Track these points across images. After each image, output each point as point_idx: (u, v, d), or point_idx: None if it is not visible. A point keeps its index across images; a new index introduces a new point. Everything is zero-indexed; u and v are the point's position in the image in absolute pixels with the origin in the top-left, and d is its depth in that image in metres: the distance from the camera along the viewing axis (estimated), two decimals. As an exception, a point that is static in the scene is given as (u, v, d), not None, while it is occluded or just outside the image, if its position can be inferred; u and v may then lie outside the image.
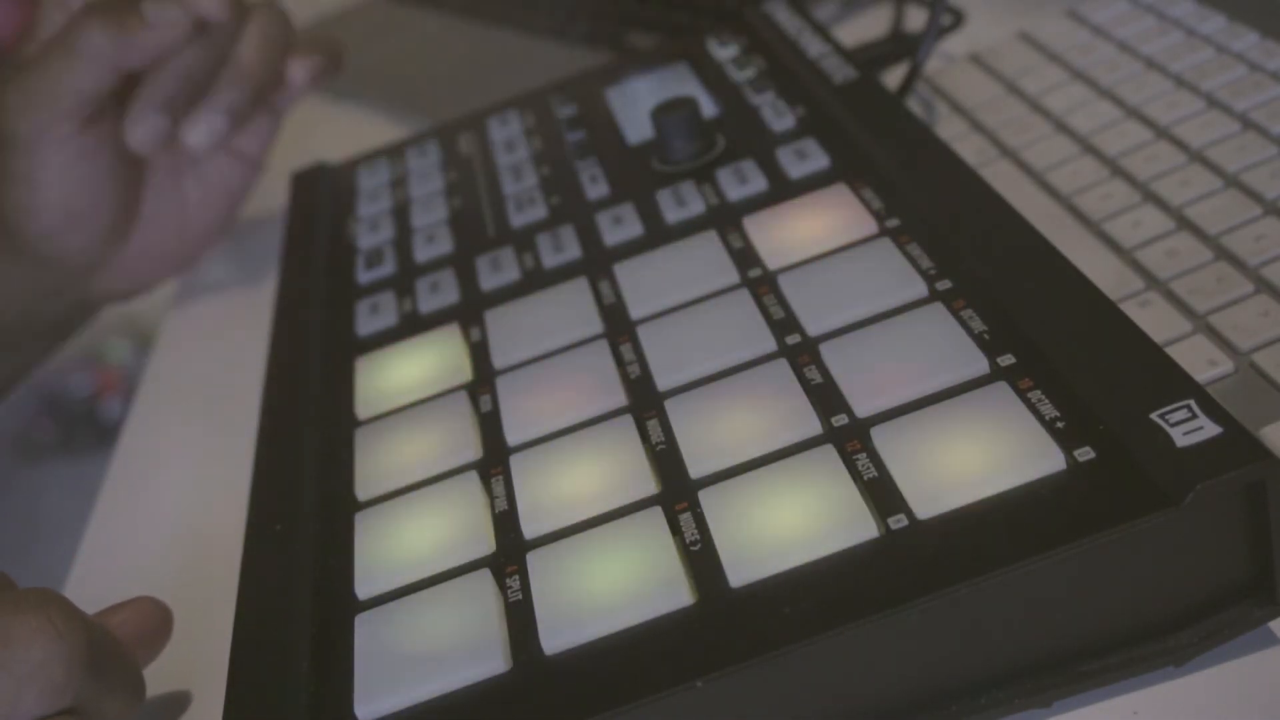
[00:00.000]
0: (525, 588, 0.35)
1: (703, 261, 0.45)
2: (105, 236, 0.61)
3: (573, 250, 0.49)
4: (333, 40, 0.65)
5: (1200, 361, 0.39)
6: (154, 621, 0.41)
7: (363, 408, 0.45)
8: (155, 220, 0.63)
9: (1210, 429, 0.31)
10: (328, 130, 0.85)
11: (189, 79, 0.59)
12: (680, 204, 0.49)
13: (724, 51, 0.59)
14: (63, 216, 0.59)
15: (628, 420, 0.39)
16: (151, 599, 0.42)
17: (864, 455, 0.35)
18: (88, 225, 0.60)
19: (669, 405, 0.39)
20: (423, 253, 0.54)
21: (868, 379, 0.37)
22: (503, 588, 0.35)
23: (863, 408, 0.36)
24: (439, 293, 0.50)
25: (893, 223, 0.43)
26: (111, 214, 0.61)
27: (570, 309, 0.46)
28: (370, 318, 0.50)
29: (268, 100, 0.63)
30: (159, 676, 0.43)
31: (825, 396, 0.37)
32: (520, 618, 0.34)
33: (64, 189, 0.58)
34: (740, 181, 0.49)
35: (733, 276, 0.44)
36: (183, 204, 0.64)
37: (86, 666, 0.35)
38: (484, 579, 0.36)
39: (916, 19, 0.65)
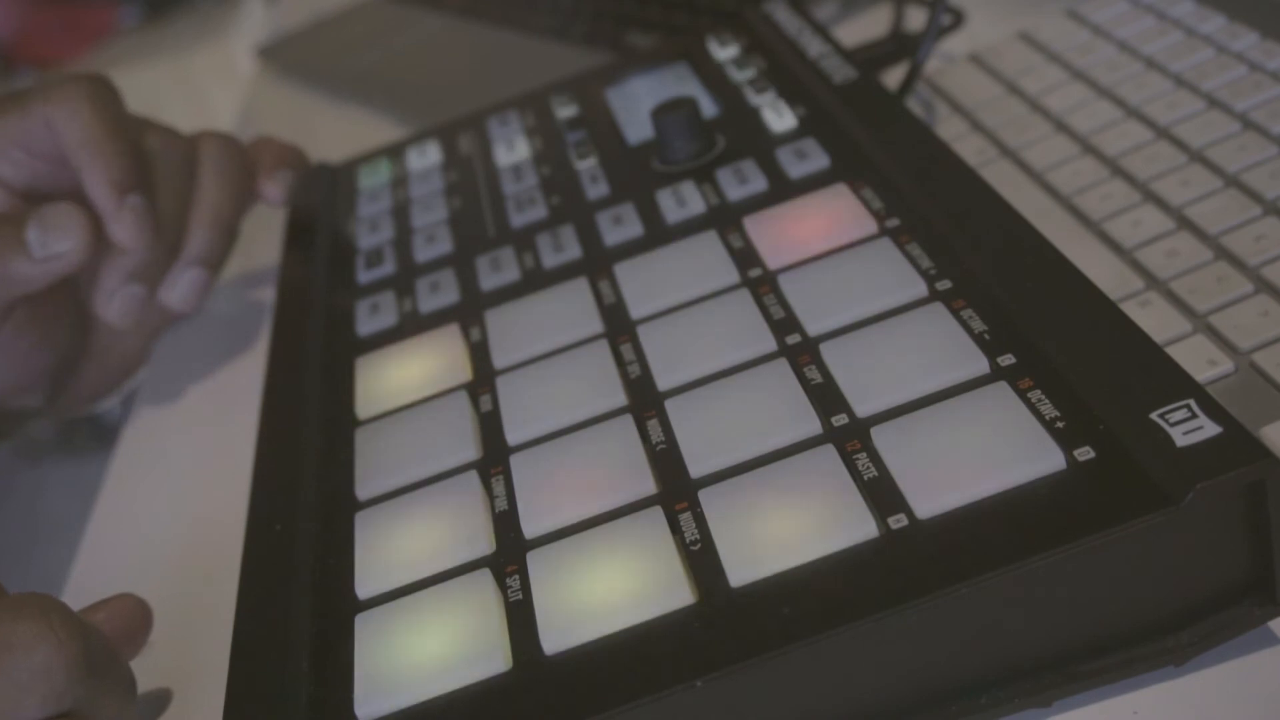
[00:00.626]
0: (525, 588, 0.35)
1: (703, 261, 0.45)
2: (39, 395, 0.58)
3: (573, 250, 0.49)
4: (290, 147, 0.61)
5: (1200, 361, 0.39)
6: (135, 618, 0.41)
7: (363, 408, 0.45)
8: (92, 359, 0.60)
9: (1210, 429, 0.31)
10: (328, 130, 0.85)
11: (154, 239, 0.54)
12: (680, 204, 0.49)
13: (724, 51, 0.59)
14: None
15: (628, 420, 0.39)
16: (131, 596, 0.42)
17: (864, 455, 0.35)
18: (20, 395, 0.57)
19: (669, 405, 0.39)
20: (423, 253, 0.54)
21: (868, 379, 0.37)
22: (503, 588, 0.35)
23: (863, 408, 0.36)
24: (439, 293, 0.50)
25: (893, 223, 0.43)
26: (48, 377, 0.57)
27: (570, 309, 0.46)
28: (370, 318, 0.50)
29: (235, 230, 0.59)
30: (160, 676, 0.43)
31: (825, 396, 0.37)
32: (520, 618, 0.34)
33: None
34: (740, 181, 0.49)
35: (733, 276, 0.44)
36: (122, 343, 0.61)
37: (85, 671, 0.35)
38: (484, 579, 0.36)
39: (916, 19, 0.65)
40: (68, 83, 0.54)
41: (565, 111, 0.60)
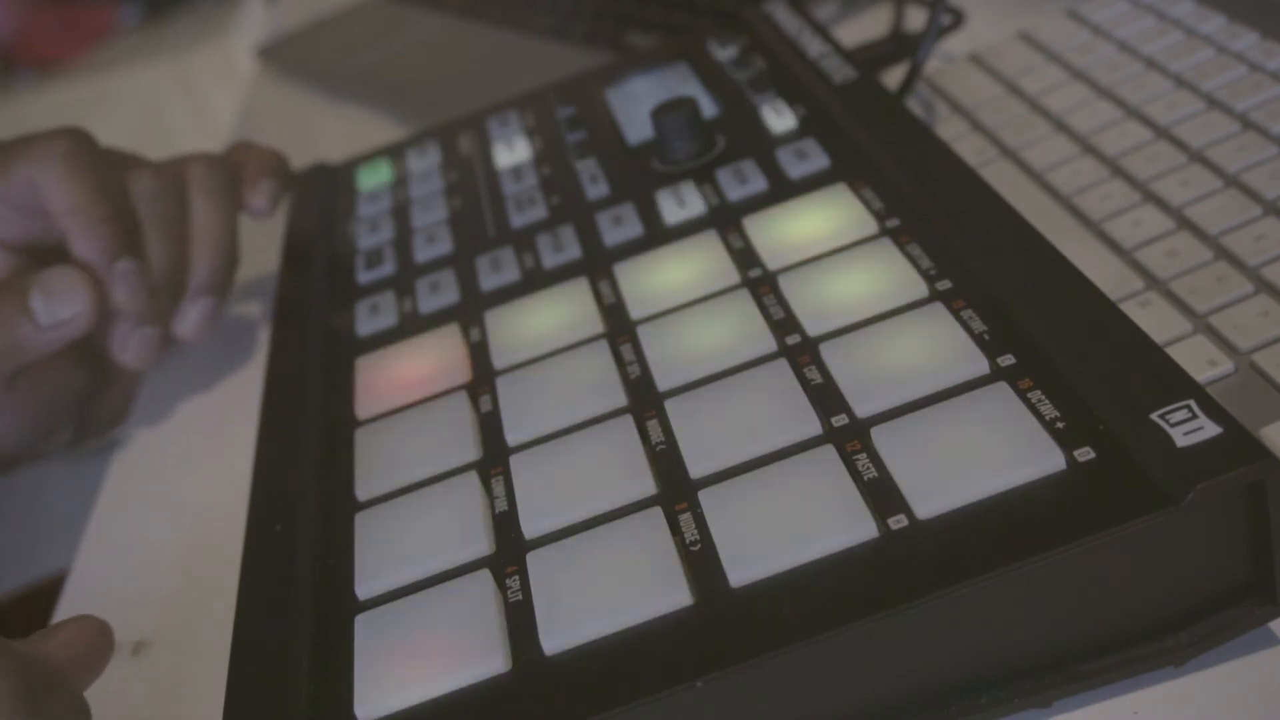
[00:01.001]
0: (525, 588, 0.35)
1: (703, 261, 0.45)
2: (66, 432, 0.58)
3: (573, 250, 0.49)
4: (269, 153, 0.61)
5: (1200, 361, 0.39)
6: (94, 642, 0.39)
7: (363, 408, 0.45)
8: (105, 396, 0.60)
9: (1210, 429, 0.31)
10: (328, 130, 0.85)
11: (155, 278, 0.54)
12: (680, 204, 0.49)
13: (724, 51, 0.59)
14: (13, 446, 0.56)
15: (628, 420, 0.39)
16: (90, 618, 0.39)
17: (864, 455, 0.35)
18: (37, 439, 0.56)
19: (669, 405, 0.39)
20: (423, 253, 0.54)
21: (868, 379, 0.37)
22: (503, 588, 0.35)
23: (863, 408, 0.36)
24: (439, 293, 0.50)
25: (893, 223, 0.43)
26: (63, 419, 0.57)
27: (570, 309, 0.46)
28: (370, 318, 0.50)
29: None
30: (160, 676, 0.43)
31: (825, 396, 0.37)
32: (520, 618, 0.34)
33: (6, 434, 0.54)
34: (740, 181, 0.49)
35: (733, 276, 0.44)
36: (124, 381, 0.61)
37: (26, 703, 0.33)
38: (484, 579, 0.36)
39: (916, 19, 0.65)
40: (44, 143, 0.53)
41: (565, 111, 0.60)
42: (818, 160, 0.48)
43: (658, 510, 0.36)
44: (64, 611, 0.49)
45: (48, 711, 0.35)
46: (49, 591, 0.67)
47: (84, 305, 0.51)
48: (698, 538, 0.34)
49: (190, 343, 0.58)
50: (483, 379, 0.44)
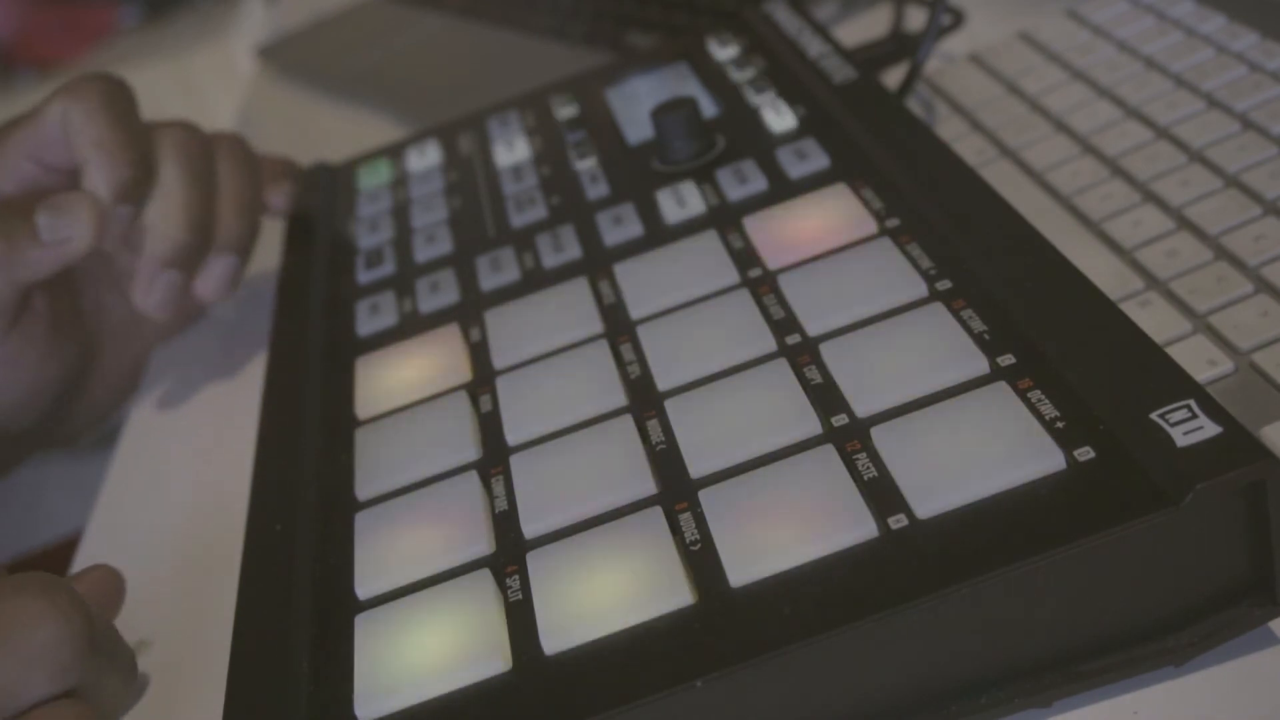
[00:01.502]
0: (525, 588, 0.35)
1: (703, 261, 0.45)
2: (44, 415, 0.58)
3: (573, 250, 0.49)
4: (284, 160, 0.62)
5: (1200, 361, 0.39)
6: (110, 588, 0.42)
7: (363, 408, 0.45)
8: (97, 380, 0.60)
9: (1210, 429, 0.31)
10: (328, 130, 0.85)
11: (183, 224, 0.55)
12: (680, 204, 0.49)
13: (724, 51, 0.59)
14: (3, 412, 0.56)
15: (628, 420, 0.39)
16: (104, 566, 0.42)
17: (864, 455, 0.35)
18: (25, 413, 0.57)
19: (669, 405, 0.39)
20: (423, 253, 0.54)
21: (868, 379, 0.37)
22: (503, 588, 0.35)
23: (863, 408, 0.36)
24: (439, 293, 0.50)
25: (893, 223, 0.43)
26: (53, 395, 0.58)
27: (570, 309, 0.46)
28: (370, 318, 0.50)
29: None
30: (160, 675, 0.43)
31: (825, 396, 0.37)
32: (520, 618, 0.34)
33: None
34: (740, 181, 0.49)
35: (733, 276, 0.44)
36: (125, 356, 0.61)
37: (90, 647, 0.35)
38: (484, 579, 0.36)
39: (916, 19, 0.65)
40: (87, 81, 0.54)
41: (565, 111, 0.60)
42: (818, 160, 0.48)
43: (658, 510, 0.36)
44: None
45: (107, 657, 0.37)
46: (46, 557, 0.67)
47: (86, 225, 0.52)
48: (698, 537, 0.34)
49: (209, 302, 0.58)
50: (483, 379, 0.44)
